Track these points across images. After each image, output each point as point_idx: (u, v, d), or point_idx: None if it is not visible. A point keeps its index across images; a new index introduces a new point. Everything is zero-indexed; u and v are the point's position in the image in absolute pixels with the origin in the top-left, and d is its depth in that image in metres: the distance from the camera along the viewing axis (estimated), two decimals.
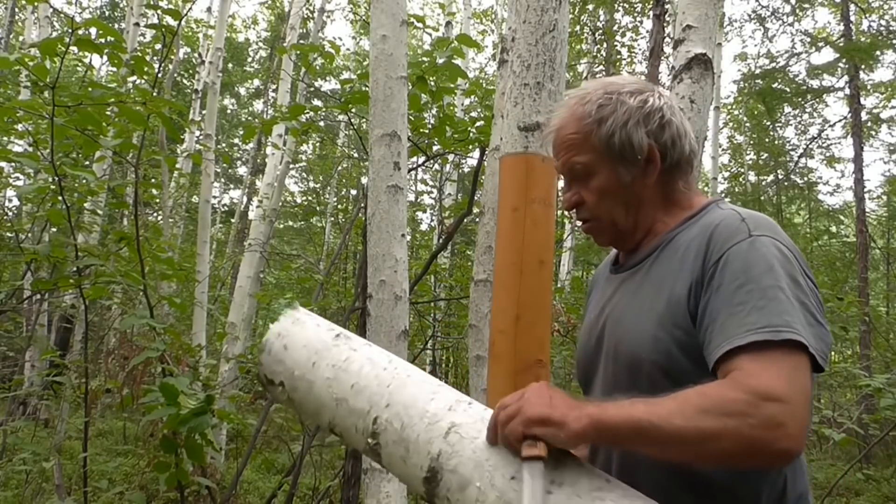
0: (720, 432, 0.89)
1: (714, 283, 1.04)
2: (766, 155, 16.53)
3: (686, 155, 1.22)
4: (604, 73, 12.39)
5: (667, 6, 6.46)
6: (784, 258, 1.04)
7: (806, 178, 16.59)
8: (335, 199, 14.95)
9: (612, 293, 1.27)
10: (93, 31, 3.34)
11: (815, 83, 13.90)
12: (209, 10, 14.48)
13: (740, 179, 17.74)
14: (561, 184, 1.34)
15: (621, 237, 1.26)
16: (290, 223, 17.82)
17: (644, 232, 1.24)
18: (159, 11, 3.96)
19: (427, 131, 4.56)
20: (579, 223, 1.28)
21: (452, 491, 0.98)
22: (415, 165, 5.39)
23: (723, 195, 16.38)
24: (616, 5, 11.59)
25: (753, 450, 0.89)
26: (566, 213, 1.28)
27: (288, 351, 1.28)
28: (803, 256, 1.09)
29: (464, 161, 9.72)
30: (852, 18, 12.63)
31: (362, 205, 5.25)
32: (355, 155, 12.45)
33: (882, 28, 12.81)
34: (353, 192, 13.75)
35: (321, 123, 13.93)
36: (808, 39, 13.62)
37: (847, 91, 12.32)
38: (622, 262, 1.31)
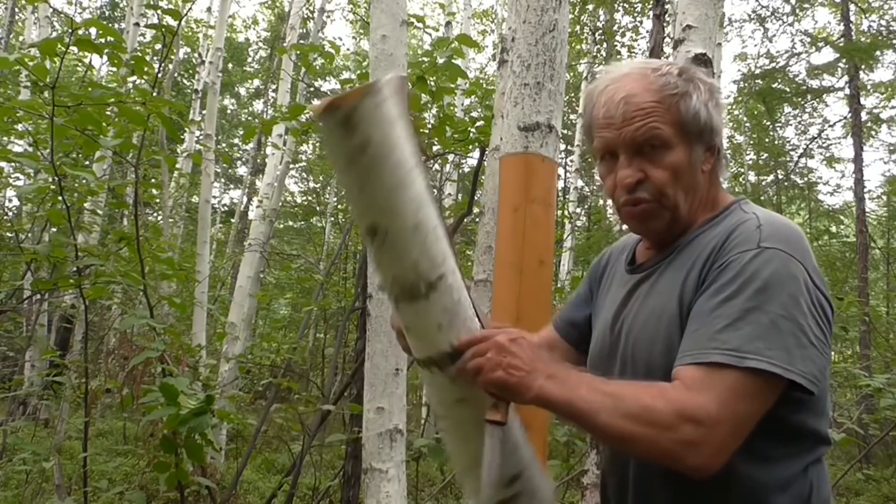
0: (638, 439, 0.93)
1: (704, 287, 1.03)
2: (766, 155, 16.53)
3: (724, 149, 1.19)
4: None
5: (667, 6, 6.45)
6: (789, 276, 0.99)
7: (806, 178, 16.59)
8: (335, 199, 14.94)
9: (627, 296, 1.22)
10: (93, 31, 3.34)
11: (815, 83, 13.90)
12: (209, 10, 14.48)
13: (740, 179, 17.72)
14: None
15: (673, 223, 1.15)
16: (290, 223, 17.81)
17: (685, 225, 1.16)
18: (159, 11, 3.96)
19: (427, 131, 4.55)
20: (627, 206, 1.15)
21: None
22: None
23: None
24: (616, 5, 11.59)
25: (667, 460, 0.94)
26: (615, 194, 1.15)
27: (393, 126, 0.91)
28: (817, 269, 1.04)
29: (464, 161, 9.73)
30: (852, 18, 12.63)
31: None
32: None
33: (882, 28, 12.81)
34: None
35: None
36: (808, 39, 13.62)
37: (847, 91, 12.32)
38: (641, 260, 1.25)
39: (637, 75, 1.13)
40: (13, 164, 5.53)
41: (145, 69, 3.89)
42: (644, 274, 1.20)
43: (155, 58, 9.47)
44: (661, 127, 1.10)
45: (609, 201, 1.31)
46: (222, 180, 20.02)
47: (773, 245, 1.01)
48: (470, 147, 4.64)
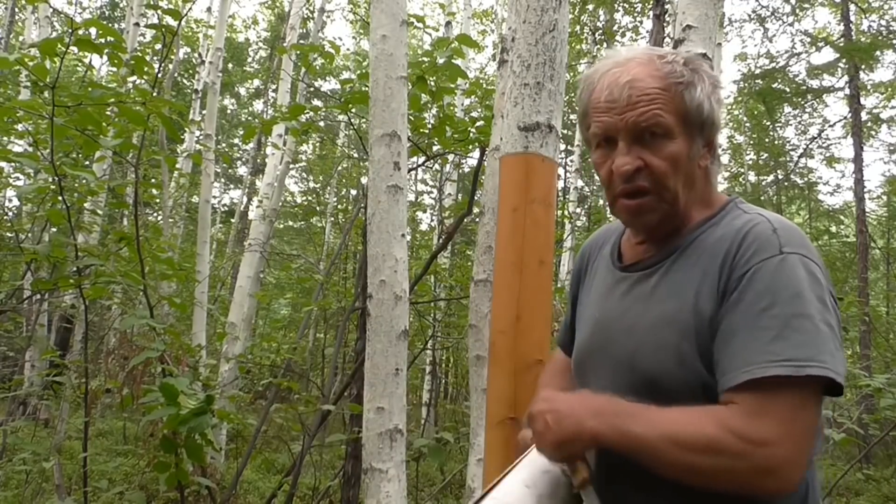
0: (712, 471, 0.91)
1: (734, 299, 0.98)
2: (766, 155, 16.54)
3: (719, 149, 1.17)
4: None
5: (667, 6, 6.46)
6: (813, 279, 0.98)
7: (806, 178, 16.60)
8: (335, 199, 14.95)
9: (620, 295, 1.17)
10: (93, 31, 3.34)
11: (815, 83, 13.90)
12: (209, 10, 14.48)
13: (740, 179, 17.73)
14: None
15: (669, 217, 1.11)
16: (290, 223, 17.81)
17: (679, 221, 1.12)
18: (159, 11, 3.96)
19: (427, 131, 4.55)
20: (624, 196, 1.10)
21: None
22: (415, 165, 5.39)
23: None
24: (616, 5, 11.59)
25: (745, 488, 0.91)
26: (612, 182, 1.11)
27: None
28: (827, 271, 1.04)
29: (464, 161, 9.73)
30: (852, 18, 12.64)
31: (362, 205, 5.25)
32: (355, 155, 12.45)
33: (882, 28, 12.81)
34: (353, 192, 13.75)
35: (321, 123, 13.93)
36: (808, 39, 13.62)
37: (847, 91, 12.32)
38: (630, 256, 1.20)
39: (642, 60, 1.10)
40: (13, 164, 5.53)
41: (145, 69, 3.89)
42: (642, 273, 1.15)
43: (155, 58, 9.47)
44: (665, 115, 1.06)
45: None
46: (222, 180, 20.02)
47: (794, 250, 0.99)
48: (470, 147, 4.64)
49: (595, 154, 1.14)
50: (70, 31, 3.07)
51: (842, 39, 12.34)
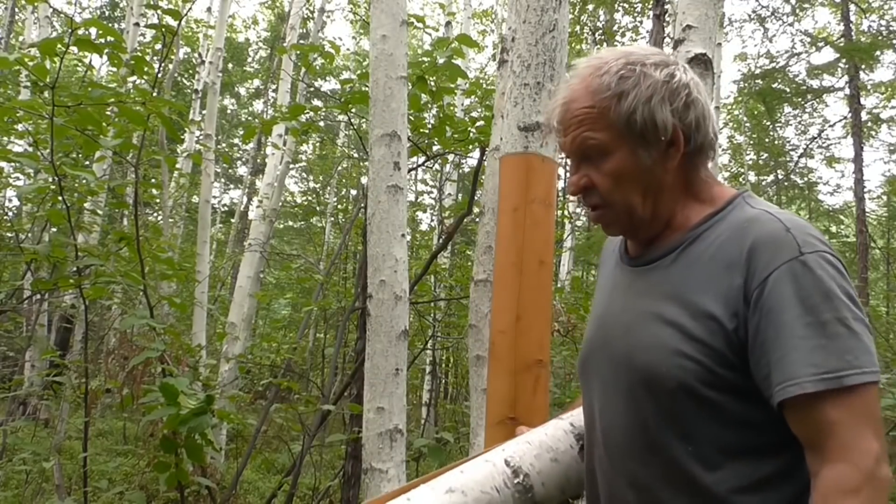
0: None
1: (764, 306, 0.96)
2: (766, 155, 16.55)
3: (709, 139, 1.10)
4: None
5: (667, 6, 6.46)
6: (838, 275, 0.97)
7: (806, 178, 16.61)
8: (335, 199, 14.95)
9: (623, 290, 1.16)
10: (93, 31, 3.34)
11: (815, 83, 13.90)
12: (209, 10, 14.48)
13: (740, 179, 17.74)
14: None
15: (635, 227, 1.12)
16: (290, 223, 17.82)
17: (663, 223, 1.11)
18: (159, 11, 3.96)
19: (427, 131, 4.55)
20: (586, 210, 1.14)
21: None
22: (415, 165, 5.39)
23: None
24: (616, 5, 11.59)
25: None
26: (571, 197, 1.18)
27: None
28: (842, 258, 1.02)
29: (464, 161, 9.73)
30: (852, 18, 12.64)
31: (362, 205, 5.25)
32: (355, 155, 12.45)
33: (882, 28, 12.82)
34: (353, 192, 13.75)
35: (321, 123, 13.94)
36: (808, 39, 13.62)
37: (847, 91, 12.32)
38: (634, 253, 1.18)
39: (581, 76, 1.10)
40: (13, 164, 5.53)
41: (145, 69, 3.89)
42: (642, 269, 1.13)
43: (155, 58, 9.46)
44: (594, 135, 1.07)
45: None
46: (222, 180, 20.02)
47: (812, 249, 0.97)
48: (470, 147, 4.64)
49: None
50: (70, 31, 3.08)
51: (842, 39, 12.34)
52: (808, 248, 0.97)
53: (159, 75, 4.19)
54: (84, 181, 4.00)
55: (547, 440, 1.19)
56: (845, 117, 13.23)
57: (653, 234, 1.13)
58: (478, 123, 4.43)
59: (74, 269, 3.82)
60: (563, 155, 1.16)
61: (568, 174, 1.21)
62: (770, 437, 1.00)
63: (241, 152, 20.66)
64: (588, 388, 1.19)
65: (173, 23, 3.81)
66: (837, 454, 0.91)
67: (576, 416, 1.27)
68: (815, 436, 0.94)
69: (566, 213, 8.88)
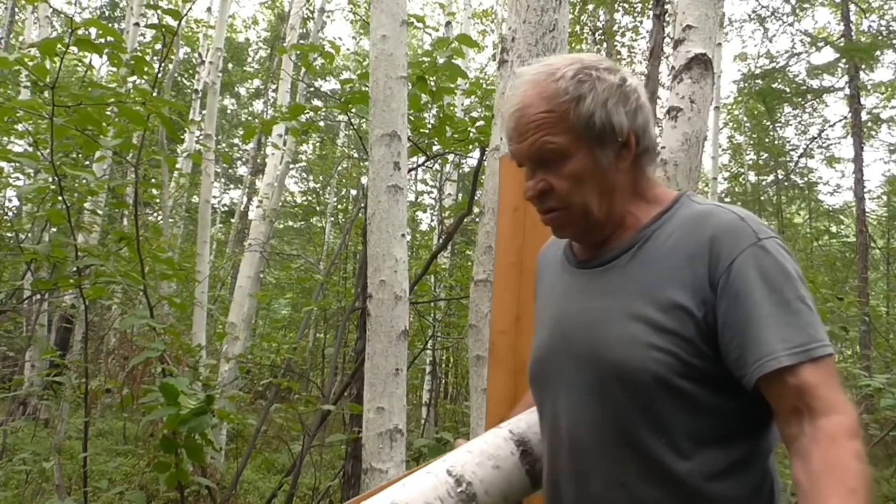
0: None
1: (730, 291, 1.01)
2: (766, 155, 16.54)
3: (654, 142, 1.15)
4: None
5: (667, 6, 6.46)
6: (790, 257, 1.04)
7: (806, 178, 16.60)
8: (335, 199, 14.95)
9: (578, 292, 1.17)
10: (93, 31, 3.34)
11: (815, 83, 13.91)
12: (209, 10, 14.48)
13: (740, 179, 17.74)
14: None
15: (590, 229, 1.14)
16: (290, 223, 17.82)
17: (614, 224, 1.14)
18: (159, 11, 3.96)
19: (427, 131, 4.55)
20: (542, 214, 1.15)
21: None
22: (415, 165, 5.39)
23: (723, 195, 16.42)
24: (616, 5, 11.59)
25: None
26: (532, 201, 1.16)
27: None
28: None
29: (464, 161, 9.73)
30: (852, 18, 12.64)
31: (362, 205, 5.26)
32: (355, 155, 12.45)
33: (882, 28, 12.82)
34: (353, 192, 13.75)
35: (321, 123, 13.94)
36: (808, 39, 13.62)
37: (847, 91, 12.33)
38: (584, 256, 1.20)
39: (532, 82, 1.11)
40: (13, 164, 5.53)
41: (145, 69, 3.89)
42: (598, 270, 1.15)
43: (155, 58, 9.46)
44: (554, 139, 1.08)
45: None
46: (222, 180, 20.02)
47: (767, 235, 1.04)
48: (470, 147, 4.64)
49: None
50: (70, 31, 3.08)
51: (842, 39, 12.35)
52: (763, 234, 1.03)
53: (159, 75, 4.19)
54: (84, 181, 4.00)
55: (488, 448, 1.19)
56: (845, 117, 13.24)
57: (605, 236, 1.15)
58: (478, 123, 4.43)
59: (74, 269, 3.82)
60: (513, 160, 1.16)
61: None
62: (737, 424, 1.03)
63: (241, 152, 20.66)
64: (546, 393, 1.18)
65: (173, 23, 3.81)
66: (829, 408, 0.95)
67: (513, 423, 1.27)
68: (798, 400, 0.97)
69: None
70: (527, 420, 1.29)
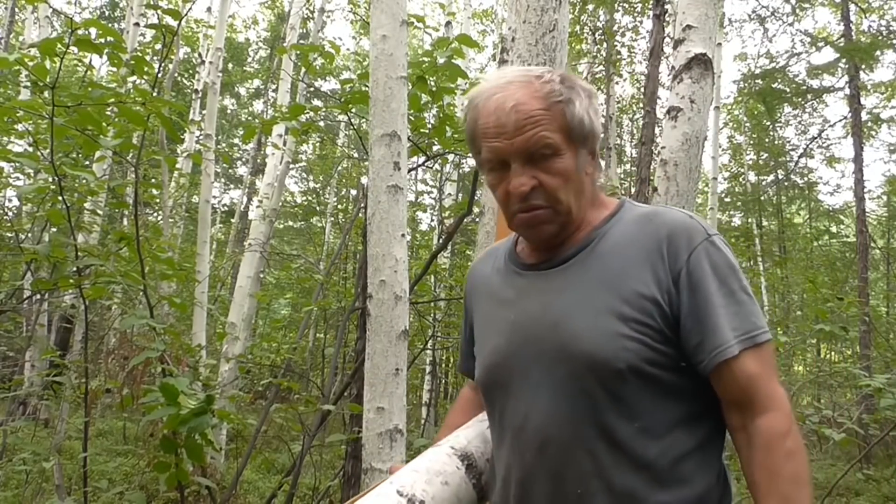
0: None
1: (690, 282, 1.09)
2: (766, 155, 16.55)
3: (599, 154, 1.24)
4: (604, 73, 12.39)
5: (667, 6, 6.46)
6: (732, 252, 1.14)
7: (806, 178, 16.62)
8: (335, 199, 14.95)
9: (536, 293, 1.18)
10: (93, 31, 3.34)
11: (815, 83, 13.91)
12: (209, 10, 14.48)
13: (740, 179, 17.75)
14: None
15: (564, 228, 1.18)
16: (290, 223, 17.82)
17: (577, 225, 1.19)
18: (159, 11, 3.95)
19: (427, 131, 4.55)
20: (521, 213, 1.16)
21: None
22: (415, 165, 5.39)
23: (723, 195, 16.42)
24: (616, 5, 11.59)
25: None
26: (509, 202, 1.16)
27: None
28: None
29: (464, 161, 9.73)
30: (852, 18, 12.63)
31: (362, 205, 5.25)
32: (355, 155, 12.46)
33: (882, 28, 12.81)
34: (353, 192, 13.75)
35: (321, 123, 13.94)
36: (808, 39, 13.62)
37: (847, 91, 12.32)
38: (535, 259, 1.22)
39: (522, 83, 1.14)
40: (13, 164, 5.53)
41: (145, 69, 3.89)
42: (556, 270, 1.18)
43: (155, 58, 9.47)
44: (551, 134, 1.12)
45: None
46: (222, 180, 20.03)
47: (713, 232, 1.13)
48: None
49: (489, 177, 1.19)
50: (70, 31, 3.07)
51: (842, 39, 12.34)
52: (711, 232, 1.13)
53: (159, 75, 4.19)
54: (84, 181, 4.00)
55: (434, 465, 1.19)
56: (845, 117, 13.23)
57: (567, 236, 1.19)
58: None
59: (74, 269, 3.82)
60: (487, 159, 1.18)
61: (486, 182, 1.24)
62: (699, 405, 1.11)
63: (241, 152, 20.67)
64: (507, 396, 1.18)
65: (173, 23, 3.81)
66: (765, 404, 1.05)
67: (452, 440, 1.28)
68: (741, 392, 1.06)
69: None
70: (465, 435, 1.30)
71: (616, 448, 1.07)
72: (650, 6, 8.46)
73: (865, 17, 12.93)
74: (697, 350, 1.08)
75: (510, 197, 1.15)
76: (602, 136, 1.20)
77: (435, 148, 4.74)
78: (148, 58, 7.75)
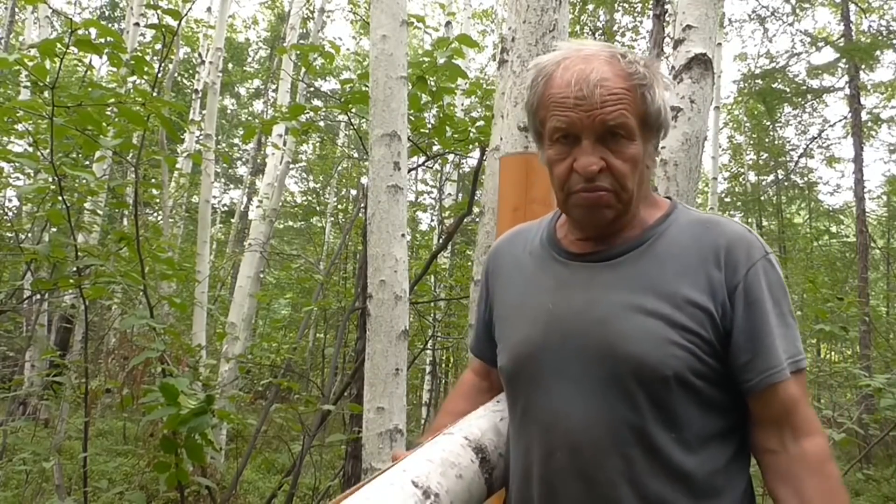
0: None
1: (747, 298, 1.06)
2: (766, 155, 16.54)
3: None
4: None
5: (667, 6, 6.46)
6: (782, 274, 1.12)
7: (806, 178, 16.61)
8: (335, 199, 14.95)
9: (580, 285, 1.13)
10: (92, 31, 3.34)
11: (815, 83, 13.91)
12: (209, 10, 14.47)
13: (740, 179, 17.74)
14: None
15: (619, 217, 1.12)
16: (290, 223, 17.82)
17: (630, 219, 1.14)
18: (159, 11, 3.95)
19: (427, 131, 4.55)
20: (584, 192, 1.08)
21: None
22: (415, 165, 5.39)
23: (723, 195, 16.42)
24: (616, 5, 11.59)
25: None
26: (570, 180, 1.09)
27: None
28: None
29: (464, 161, 9.73)
30: (852, 18, 12.64)
31: (362, 205, 5.25)
32: (355, 155, 12.46)
33: (882, 28, 12.82)
34: (353, 192, 13.74)
35: (321, 123, 13.93)
36: (808, 39, 13.62)
37: (847, 91, 12.33)
38: (583, 250, 1.16)
39: (607, 58, 1.09)
40: (13, 164, 5.53)
41: (145, 69, 3.89)
42: (605, 264, 1.12)
43: (155, 58, 9.46)
44: (629, 116, 1.07)
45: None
46: (222, 180, 20.03)
47: (770, 249, 1.11)
48: (470, 147, 4.64)
49: (552, 149, 1.11)
50: (70, 31, 3.07)
51: (842, 39, 12.35)
52: (768, 249, 1.11)
53: (159, 75, 4.19)
54: (84, 181, 3.99)
55: (448, 457, 1.14)
56: (845, 117, 13.24)
57: (620, 227, 1.14)
58: (478, 123, 4.43)
59: (74, 269, 3.82)
60: (557, 136, 1.10)
61: (547, 156, 1.13)
62: (733, 419, 1.09)
63: (241, 152, 20.66)
64: (537, 390, 1.13)
65: (173, 23, 3.81)
66: (808, 427, 1.05)
67: (466, 429, 1.23)
68: (784, 414, 1.05)
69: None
70: (477, 425, 1.25)
71: (653, 455, 1.04)
72: (650, 6, 8.46)
73: (865, 17, 12.93)
74: (747, 368, 1.05)
75: (572, 175, 1.08)
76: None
77: (435, 148, 4.74)
78: (148, 58, 7.74)
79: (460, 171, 11.14)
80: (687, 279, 1.07)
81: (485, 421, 1.26)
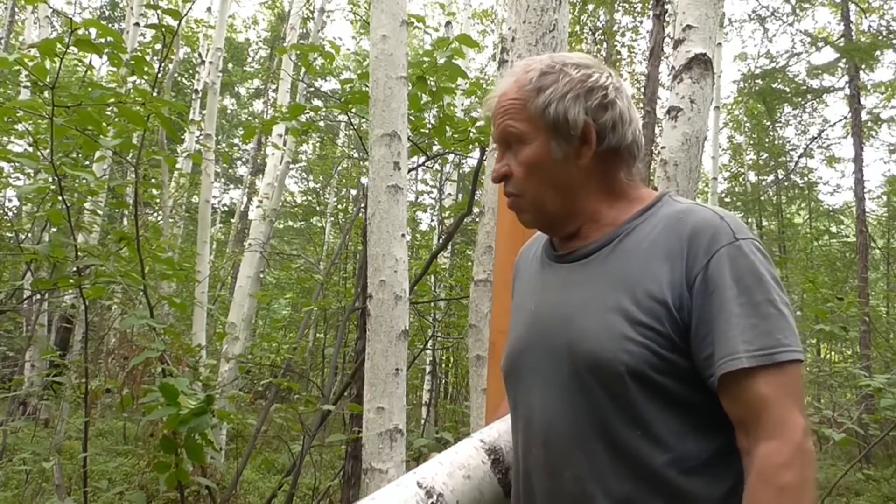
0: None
1: (706, 288, 1.01)
2: (766, 155, 16.54)
3: (628, 143, 1.15)
4: None
5: (667, 6, 6.46)
6: (766, 261, 1.04)
7: (806, 178, 16.61)
8: (335, 199, 14.95)
9: (557, 285, 1.17)
10: (92, 31, 3.34)
11: (815, 83, 13.91)
12: (209, 10, 14.47)
13: (740, 179, 17.74)
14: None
15: (549, 221, 1.18)
16: (290, 223, 17.82)
17: (582, 220, 1.16)
18: (159, 11, 3.95)
19: (427, 131, 4.55)
20: (507, 197, 1.20)
21: None
22: (415, 165, 5.39)
23: (723, 195, 16.42)
24: (616, 5, 11.59)
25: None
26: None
27: None
28: None
29: (464, 161, 9.73)
30: (852, 18, 12.64)
31: (362, 205, 5.26)
32: (355, 155, 12.46)
33: (882, 28, 12.82)
34: (353, 192, 13.74)
35: (321, 123, 13.94)
36: (808, 39, 13.62)
37: (847, 91, 12.33)
38: (563, 250, 1.20)
39: (513, 73, 1.18)
40: (13, 164, 5.53)
41: (145, 69, 3.89)
42: (575, 263, 1.15)
43: (155, 58, 9.46)
44: (515, 124, 1.14)
45: None
46: (222, 180, 20.02)
47: (745, 236, 1.04)
48: (470, 147, 4.64)
49: None
50: (70, 31, 3.07)
51: (842, 39, 12.35)
52: (741, 235, 1.04)
53: (159, 75, 4.19)
54: (84, 181, 4.00)
55: (459, 458, 1.18)
56: (845, 117, 13.24)
57: (571, 230, 1.17)
58: (478, 123, 4.43)
59: (74, 269, 3.82)
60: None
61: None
62: (709, 420, 1.03)
63: (241, 152, 20.66)
64: (521, 387, 1.17)
65: (173, 23, 3.81)
66: (769, 431, 0.96)
67: (485, 432, 1.27)
68: (747, 413, 0.98)
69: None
70: (498, 428, 1.28)
71: (617, 453, 1.03)
72: (650, 6, 8.46)
73: (865, 17, 12.93)
74: (707, 362, 1.01)
75: (493, 180, 1.20)
76: (612, 123, 1.13)
77: (435, 148, 4.74)
78: (148, 58, 7.74)
79: (460, 171, 11.13)
80: (651, 274, 1.05)
81: (504, 424, 1.29)
